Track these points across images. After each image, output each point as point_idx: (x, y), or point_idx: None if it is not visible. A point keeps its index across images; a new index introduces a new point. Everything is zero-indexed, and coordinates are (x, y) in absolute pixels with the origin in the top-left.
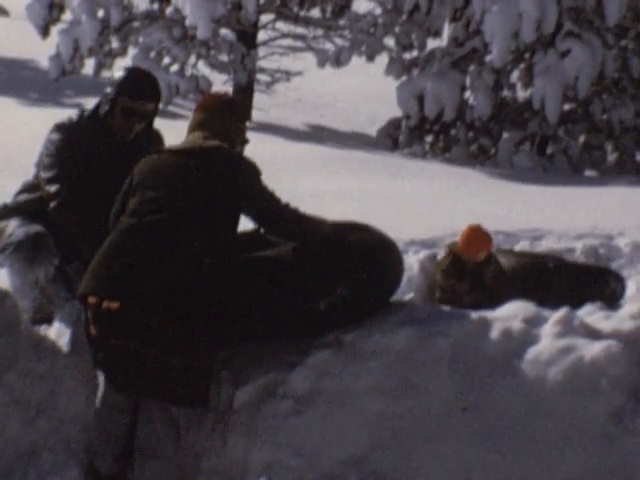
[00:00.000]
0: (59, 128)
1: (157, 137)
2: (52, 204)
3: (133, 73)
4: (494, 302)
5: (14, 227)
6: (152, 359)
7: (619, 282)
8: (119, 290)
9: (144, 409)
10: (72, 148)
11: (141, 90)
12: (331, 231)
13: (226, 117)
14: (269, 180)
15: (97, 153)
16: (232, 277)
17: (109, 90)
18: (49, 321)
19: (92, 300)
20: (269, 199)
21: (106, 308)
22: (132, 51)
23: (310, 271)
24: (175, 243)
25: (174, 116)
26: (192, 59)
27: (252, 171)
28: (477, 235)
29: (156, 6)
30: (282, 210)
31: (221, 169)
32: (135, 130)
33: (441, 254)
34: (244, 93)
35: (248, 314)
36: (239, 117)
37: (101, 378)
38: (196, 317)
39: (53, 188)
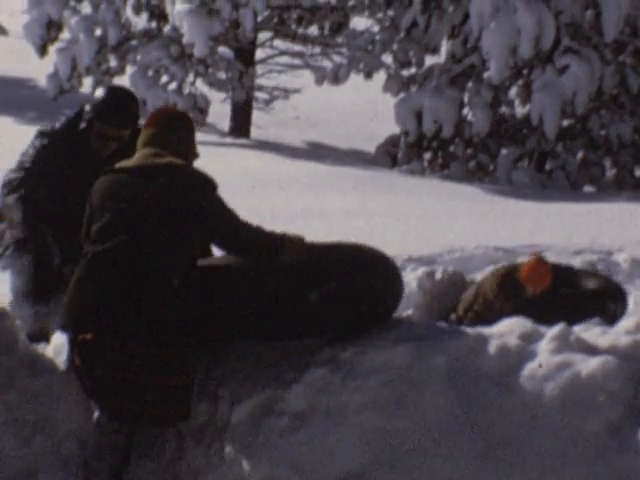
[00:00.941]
0: (41, 134)
1: None
2: (5, 190)
3: (109, 97)
4: None
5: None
6: (134, 384)
7: (619, 303)
8: (91, 321)
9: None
10: (50, 154)
11: (115, 117)
12: (317, 249)
13: (176, 131)
14: (267, 197)
15: (75, 161)
16: (213, 278)
17: (88, 108)
18: (46, 338)
19: (70, 334)
20: (227, 213)
21: (81, 340)
22: (130, 69)
23: (300, 266)
24: (139, 265)
25: None
26: (190, 77)
27: (207, 184)
28: (543, 270)
29: (154, 24)
30: (242, 226)
31: (175, 185)
32: (110, 150)
33: (439, 271)
34: (242, 111)
35: (234, 311)
36: (189, 131)
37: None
38: (173, 331)
39: (13, 175)
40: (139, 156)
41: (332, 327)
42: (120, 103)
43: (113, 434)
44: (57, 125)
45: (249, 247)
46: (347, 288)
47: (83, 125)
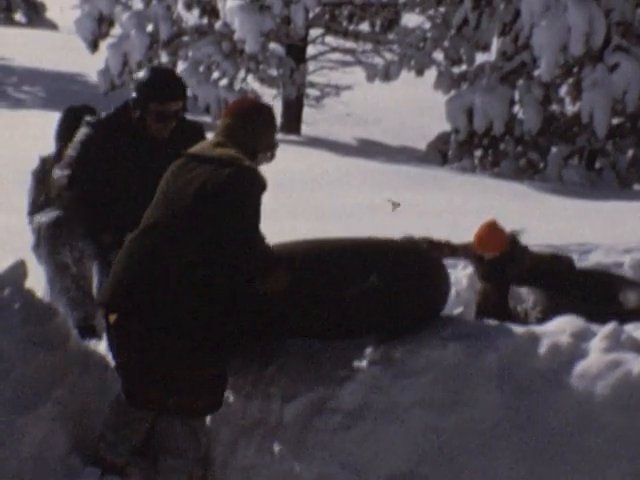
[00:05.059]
0: (87, 124)
1: (193, 128)
2: (64, 186)
3: (156, 77)
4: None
5: (40, 220)
6: (161, 372)
7: None
8: (120, 303)
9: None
10: (95, 144)
11: (168, 92)
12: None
13: (249, 123)
14: (318, 194)
15: (127, 150)
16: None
17: (136, 95)
18: (97, 334)
19: (103, 313)
20: (242, 216)
21: (108, 321)
22: (181, 65)
23: (341, 258)
24: (166, 252)
25: None
26: (241, 73)
27: (243, 180)
28: (487, 232)
29: (205, 20)
30: (248, 235)
31: (217, 179)
32: (169, 128)
33: None
34: (293, 107)
35: (266, 306)
36: (266, 124)
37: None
38: (202, 324)
39: (66, 172)
40: (201, 145)
41: (373, 324)
42: (167, 79)
43: (135, 422)
44: (103, 115)
45: (238, 258)
46: (384, 283)
47: (137, 113)
